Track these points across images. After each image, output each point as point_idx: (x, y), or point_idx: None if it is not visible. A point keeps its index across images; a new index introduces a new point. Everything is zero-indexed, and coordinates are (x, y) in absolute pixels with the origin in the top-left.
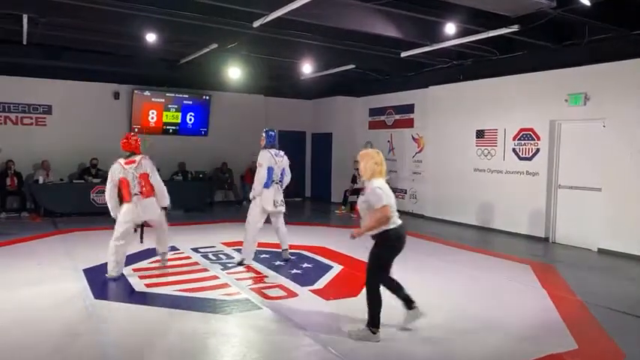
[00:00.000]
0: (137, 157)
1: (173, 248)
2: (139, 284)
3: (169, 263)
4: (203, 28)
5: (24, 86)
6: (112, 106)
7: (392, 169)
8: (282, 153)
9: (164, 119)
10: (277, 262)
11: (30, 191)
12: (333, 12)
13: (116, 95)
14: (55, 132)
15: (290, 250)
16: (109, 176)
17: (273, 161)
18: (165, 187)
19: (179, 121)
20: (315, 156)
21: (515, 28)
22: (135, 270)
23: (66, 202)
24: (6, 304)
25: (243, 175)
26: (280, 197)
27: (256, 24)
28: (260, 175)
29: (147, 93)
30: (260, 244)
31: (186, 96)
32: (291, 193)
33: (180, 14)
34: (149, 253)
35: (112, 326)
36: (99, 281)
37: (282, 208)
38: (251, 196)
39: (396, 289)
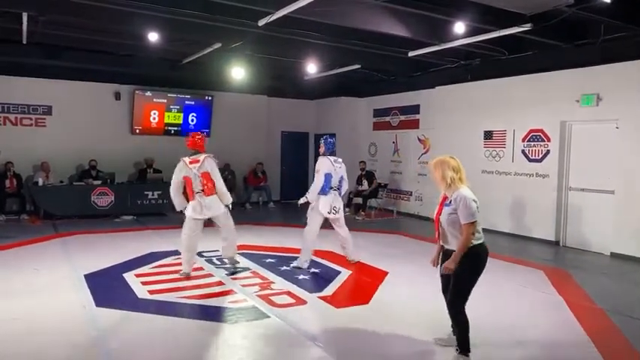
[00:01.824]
0: (201, 157)
1: (176, 252)
2: (141, 291)
3: (172, 268)
4: (207, 26)
5: (23, 86)
6: (113, 107)
7: (397, 171)
8: (340, 160)
9: (166, 120)
10: (283, 268)
11: (29, 193)
12: (340, 10)
13: (117, 96)
14: (55, 133)
15: (296, 255)
16: (174, 174)
17: (332, 168)
18: (225, 187)
19: (181, 122)
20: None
21: (527, 26)
22: (137, 275)
23: (66, 205)
24: (2, 312)
25: (246, 176)
26: (338, 204)
27: (262, 23)
28: (317, 182)
29: (148, 93)
30: (266, 249)
31: (189, 96)
32: (293, 194)
33: (183, 12)
34: (151, 257)
35: (114, 336)
36: (101, 288)
37: (339, 215)
38: (302, 201)
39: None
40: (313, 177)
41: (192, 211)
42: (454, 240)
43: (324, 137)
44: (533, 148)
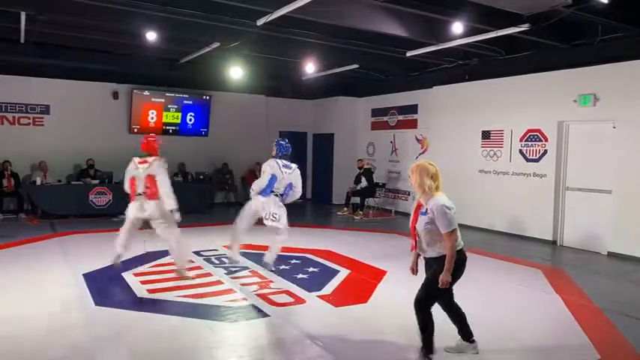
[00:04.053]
0: (151, 159)
1: None
2: (140, 290)
3: (172, 267)
4: (205, 26)
5: (21, 85)
6: (111, 106)
7: (395, 171)
8: (293, 166)
9: (164, 119)
10: (282, 267)
11: (27, 192)
12: (338, 10)
13: (115, 95)
14: (53, 132)
15: (295, 255)
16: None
17: (278, 171)
18: (170, 192)
19: (179, 121)
20: (317, 157)
21: (525, 27)
22: (136, 275)
23: (64, 204)
24: (0, 312)
25: (244, 176)
26: (275, 210)
27: (260, 22)
28: (260, 181)
29: (146, 93)
30: (265, 248)
31: (187, 96)
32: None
33: (181, 12)
34: (150, 257)
35: (114, 336)
36: (99, 287)
37: (276, 224)
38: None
39: (459, 317)
40: (312, 177)
41: (132, 210)
42: (430, 249)
43: (277, 140)
44: (531, 148)
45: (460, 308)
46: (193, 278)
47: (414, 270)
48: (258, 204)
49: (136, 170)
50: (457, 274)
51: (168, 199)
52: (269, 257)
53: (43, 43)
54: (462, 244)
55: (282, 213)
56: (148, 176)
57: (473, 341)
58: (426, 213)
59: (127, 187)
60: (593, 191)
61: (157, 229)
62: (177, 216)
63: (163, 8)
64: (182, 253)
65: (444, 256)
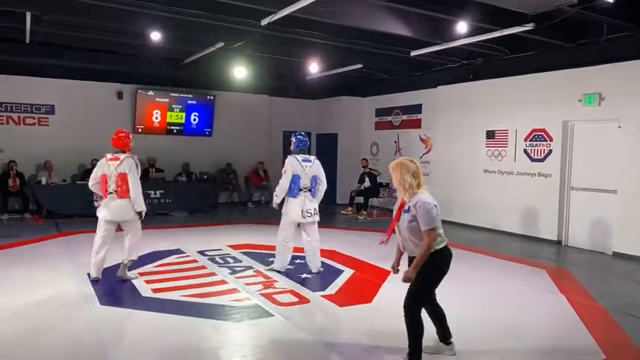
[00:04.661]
0: (122, 155)
1: (179, 251)
2: (145, 289)
3: (176, 267)
4: (209, 26)
5: (26, 86)
6: (116, 106)
7: None
8: (311, 158)
9: (168, 119)
10: (286, 266)
11: (32, 192)
12: (342, 9)
13: (119, 95)
14: (58, 132)
15: (299, 254)
16: (94, 168)
17: (299, 168)
18: (140, 192)
19: (183, 121)
20: (320, 157)
21: (530, 26)
22: (141, 274)
23: (69, 204)
24: (5, 311)
25: (248, 176)
26: (312, 206)
27: (264, 22)
28: (281, 183)
29: (150, 93)
30: (269, 248)
31: (191, 96)
32: None
33: (185, 12)
34: (154, 256)
35: (118, 335)
36: (104, 286)
37: (314, 218)
38: (273, 204)
39: (439, 317)
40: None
41: (104, 211)
42: (416, 248)
43: (294, 134)
44: (536, 148)
45: (442, 309)
46: (140, 276)
47: (395, 268)
48: (294, 207)
49: (107, 168)
50: (440, 273)
51: (138, 200)
52: (310, 262)
53: (48, 43)
54: (445, 241)
55: (314, 208)
56: (120, 174)
57: (450, 342)
58: (408, 211)
59: (92, 184)
60: (598, 191)
61: (125, 228)
62: (143, 216)
63: (167, 8)
64: (136, 251)
65: (432, 252)
